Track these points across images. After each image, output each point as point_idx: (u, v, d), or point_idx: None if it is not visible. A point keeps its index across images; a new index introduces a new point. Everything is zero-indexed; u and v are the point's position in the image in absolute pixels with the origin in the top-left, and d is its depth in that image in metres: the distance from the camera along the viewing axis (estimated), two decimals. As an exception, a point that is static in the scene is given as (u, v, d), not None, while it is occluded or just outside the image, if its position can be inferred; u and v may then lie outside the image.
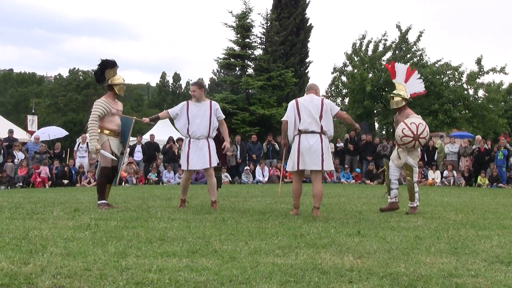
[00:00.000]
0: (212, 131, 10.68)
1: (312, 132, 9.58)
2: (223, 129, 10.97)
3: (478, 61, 35.62)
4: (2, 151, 23.54)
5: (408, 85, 10.87)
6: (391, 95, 10.90)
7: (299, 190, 9.93)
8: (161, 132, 30.06)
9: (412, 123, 10.28)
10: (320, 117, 9.60)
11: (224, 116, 10.98)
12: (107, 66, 10.52)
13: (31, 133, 31.48)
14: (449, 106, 34.50)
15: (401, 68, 11.05)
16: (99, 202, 10.37)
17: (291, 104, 9.81)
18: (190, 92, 10.90)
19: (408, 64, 35.30)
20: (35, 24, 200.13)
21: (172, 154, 25.69)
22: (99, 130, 10.09)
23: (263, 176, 26.06)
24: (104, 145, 10.12)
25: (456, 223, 8.59)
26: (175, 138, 27.36)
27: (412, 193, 10.56)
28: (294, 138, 9.70)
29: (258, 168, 26.24)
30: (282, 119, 9.98)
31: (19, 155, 24.24)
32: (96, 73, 10.70)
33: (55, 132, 31.17)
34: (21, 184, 22.65)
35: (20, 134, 31.59)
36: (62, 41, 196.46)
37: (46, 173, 23.16)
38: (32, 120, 34.86)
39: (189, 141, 10.56)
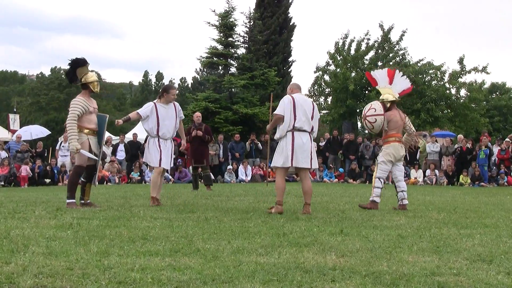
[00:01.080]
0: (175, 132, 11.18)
1: (305, 131, 9.79)
2: (180, 128, 11.42)
3: (460, 61, 35.83)
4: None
5: (394, 85, 11.07)
6: (380, 100, 11.07)
7: (284, 187, 10.00)
8: (144, 131, 30.00)
9: (373, 108, 10.72)
10: (312, 118, 9.85)
11: (184, 117, 11.48)
12: (78, 64, 10.43)
13: (13, 132, 31.27)
14: (431, 105, 34.70)
15: (380, 73, 11.30)
16: (68, 201, 10.29)
17: (288, 100, 9.86)
18: (171, 96, 11.10)
19: (391, 63, 35.60)
20: (18, 22, 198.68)
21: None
22: (78, 130, 10.03)
23: (246, 175, 26.09)
24: (84, 144, 10.08)
25: (438, 222, 8.61)
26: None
27: (372, 188, 10.95)
28: (286, 134, 9.77)
29: (241, 167, 26.27)
30: (275, 113, 9.96)
31: (2, 154, 24.09)
32: (68, 74, 10.59)
33: (37, 131, 31.00)
34: (2, 183, 22.52)
35: (1, 133, 31.40)
36: (45, 39, 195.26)
37: (26, 172, 23.03)
38: (14, 119, 34.63)
39: (158, 140, 10.88)
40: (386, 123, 10.86)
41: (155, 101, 11.16)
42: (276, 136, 9.95)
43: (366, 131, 44.09)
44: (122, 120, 11.20)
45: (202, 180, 17.83)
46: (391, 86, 11.07)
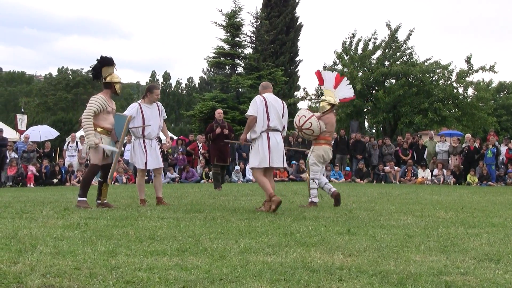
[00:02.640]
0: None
1: (278, 130, 10.10)
2: (164, 128, 11.46)
3: (468, 60, 35.69)
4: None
5: (338, 91, 11.34)
6: (319, 100, 11.51)
7: (267, 180, 10.01)
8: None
9: (302, 116, 10.95)
10: (282, 117, 10.16)
11: (166, 116, 11.53)
12: (106, 63, 10.44)
13: (21, 132, 31.30)
14: (438, 105, 34.55)
15: (329, 75, 11.52)
16: (79, 199, 10.18)
17: (260, 100, 10.07)
18: (154, 96, 11.07)
19: (398, 62, 35.51)
20: (26, 23, 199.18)
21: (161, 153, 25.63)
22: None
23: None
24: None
25: (445, 221, 8.58)
26: (162, 137, 27.28)
27: (309, 189, 11.15)
28: (261, 134, 9.97)
29: (248, 167, 26.25)
30: (248, 114, 10.15)
31: (11, 155, 24.14)
32: (94, 69, 10.55)
33: (46, 132, 31.02)
34: (10, 183, 22.58)
35: (9, 133, 31.46)
36: (52, 40, 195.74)
37: (32, 172, 23.06)
38: (21, 119, 34.69)
39: (143, 141, 10.88)
40: (324, 125, 11.02)
41: (139, 101, 11.16)
42: (252, 137, 10.08)
43: (373, 131, 44.10)
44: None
45: (211, 180, 17.83)
46: (335, 90, 11.32)
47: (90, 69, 11.01)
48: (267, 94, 10.28)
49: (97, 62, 10.51)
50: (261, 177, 10.07)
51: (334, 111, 11.39)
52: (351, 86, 11.76)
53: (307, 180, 11.24)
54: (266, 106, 9.98)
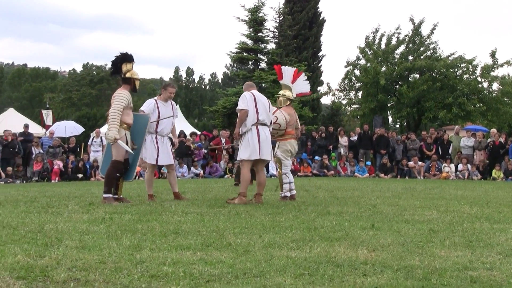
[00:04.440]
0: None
1: (266, 124, 10.55)
2: (173, 128, 11.55)
3: (493, 54, 35.39)
4: (18, 145, 23.65)
5: (295, 86, 11.71)
6: (277, 95, 11.86)
7: (250, 178, 10.80)
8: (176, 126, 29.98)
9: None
10: (268, 111, 10.60)
11: (178, 116, 11.66)
12: (126, 59, 10.48)
13: (48, 127, 31.43)
14: (463, 100, 34.31)
15: (288, 71, 11.83)
16: (105, 195, 10.22)
17: (249, 95, 10.52)
18: (168, 93, 11.22)
19: (422, 57, 35.25)
20: (50, 19, 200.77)
21: (184, 148, 25.64)
22: None
23: (277, 169, 26.04)
24: (122, 139, 10.05)
25: (470, 216, 8.53)
26: (186, 132, 27.34)
27: (281, 184, 11.39)
28: (251, 128, 10.38)
29: (271, 162, 26.22)
30: (239, 108, 10.47)
31: (37, 150, 24.35)
32: (115, 64, 10.55)
33: (72, 128, 31.18)
34: (36, 178, 22.79)
35: (35, 129, 31.67)
36: (76, 36, 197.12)
37: (59, 167, 23.23)
38: (47, 114, 34.89)
39: (156, 137, 10.96)
40: (288, 116, 11.25)
41: (155, 98, 11.32)
42: (242, 130, 10.42)
43: (397, 126, 43.88)
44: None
45: (233, 175, 17.81)
46: (292, 85, 11.68)
47: (110, 64, 11.03)
48: (254, 91, 10.77)
49: (116, 57, 10.54)
50: (248, 171, 10.54)
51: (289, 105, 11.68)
52: (307, 81, 12.15)
53: (279, 175, 11.49)
54: (255, 101, 10.44)
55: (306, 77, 12.11)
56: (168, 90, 11.19)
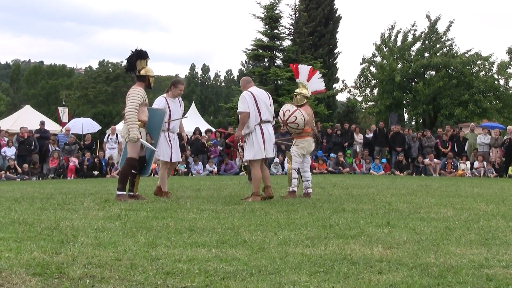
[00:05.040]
0: None
1: (269, 122, 10.58)
2: (180, 124, 11.55)
3: (509, 51, 35.18)
4: (34, 142, 23.79)
5: (310, 83, 11.75)
6: (294, 93, 11.85)
7: (260, 178, 10.61)
8: (189, 124, 29.88)
9: (287, 110, 11.13)
10: (270, 107, 10.63)
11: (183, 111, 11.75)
12: (141, 56, 10.47)
13: (64, 124, 31.48)
14: (479, 97, 34.10)
15: (304, 69, 11.88)
16: (118, 192, 10.22)
17: (248, 96, 10.48)
18: (178, 90, 11.19)
19: (438, 54, 35.05)
20: (66, 17, 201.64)
21: (200, 145, 25.65)
22: None
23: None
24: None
25: (486, 214, 8.47)
26: (202, 129, 27.31)
27: (289, 179, 11.42)
28: (255, 128, 10.41)
29: (287, 159, 26.19)
30: (240, 111, 10.51)
31: (52, 147, 24.46)
32: (130, 61, 10.53)
33: (88, 125, 31.29)
34: (52, 175, 22.91)
35: (51, 126, 31.78)
36: (92, 33, 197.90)
37: (74, 164, 23.32)
38: (63, 112, 34.95)
39: (168, 134, 10.96)
40: (307, 116, 11.23)
41: (164, 95, 11.22)
42: (245, 132, 10.47)
43: (413, 123, 43.70)
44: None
45: (247, 172, 17.78)
46: (308, 83, 11.72)
47: (125, 61, 11.02)
48: (252, 88, 10.71)
49: (131, 54, 10.54)
50: (258, 171, 10.56)
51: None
52: (322, 79, 12.17)
53: (289, 170, 11.54)
54: (255, 100, 10.42)
55: (320, 75, 12.15)
56: (179, 87, 11.17)
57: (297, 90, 11.69)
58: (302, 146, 11.36)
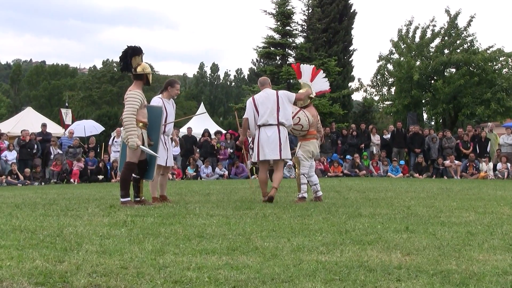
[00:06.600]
0: None
1: (270, 124, 10.69)
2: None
3: (534, 47, 34.87)
4: (36, 146, 23.63)
5: (314, 84, 11.80)
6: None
7: (266, 179, 11.00)
8: (198, 125, 29.80)
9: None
10: (278, 110, 10.71)
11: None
12: (135, 52, 10.19)
13: (67, 127, 31.32)
14: (502, 95, 33.82)
15: (306, 69, 11.95)
16: (122, 200, 10.02)
17: (249, 102, 10.99)
18: (175, 90, 10.99)
19: (458, 50, 34.75)
20: (70, 14, 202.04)
21: (210, 147, 25.46)
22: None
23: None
24: (139, 139, 9.77)
25: (510, 218, 8.34)
26: (211, 131, 27.18)
27: (298, 184, 11.38)
28: (255, 132, 10.84)
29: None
30: (243, 117, 11.00)
31: (55, 151, 24.18)
32: (124, 60, 10.20)
33: (91, 127, 31.15)
34: (55, 180, 22.68)
35: (54, 128, 31.76)
36: (97, 31, 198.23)
37: (78, 167, 23.12)
38: (66, 113, 34.86)
39: (163, 138, 10.83)
40: (311, 117, 11.25)
41: (159, 96, 10.94)
42: (249, 136, 11.27)
43: (432, 123, 43.41)
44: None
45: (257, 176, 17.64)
46: (311, 84, 11.74)
47: (119, 60, 10.72)
48: (262, 91, 10.96)
49: (125, 52, 10.22)
50: (261, 173, 11.03)
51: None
52: (326, 79, 12.16)
53: (297, 175, 11.50)
54: (254, 105, 10.78)
55: (324, 74, 12.13)
56: (175, 87, 10.95)
57: (301, 91, 11.67)
58: (307, 149, 11.32)
